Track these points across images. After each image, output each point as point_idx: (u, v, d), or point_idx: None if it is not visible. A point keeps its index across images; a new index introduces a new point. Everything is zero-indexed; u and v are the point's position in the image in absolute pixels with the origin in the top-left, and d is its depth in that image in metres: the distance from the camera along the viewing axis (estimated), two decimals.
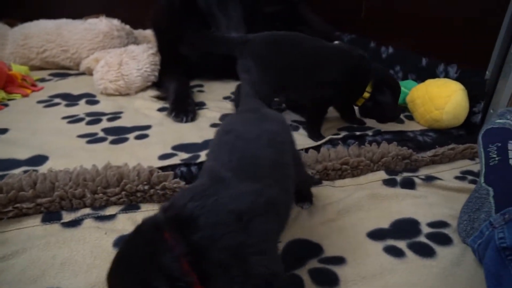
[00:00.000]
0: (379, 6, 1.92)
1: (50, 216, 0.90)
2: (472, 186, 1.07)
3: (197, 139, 1.19)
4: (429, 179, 1.09)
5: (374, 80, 1.21)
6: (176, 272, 0.46)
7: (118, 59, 1.58)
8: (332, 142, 1.18)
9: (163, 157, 1.08)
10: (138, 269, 0.47)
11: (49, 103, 1.47)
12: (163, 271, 0.46)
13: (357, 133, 1.22)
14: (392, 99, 1.23)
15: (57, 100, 1.50)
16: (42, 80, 1.76)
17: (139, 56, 1.60)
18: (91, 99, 1.51)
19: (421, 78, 1.54)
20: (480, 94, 1.28)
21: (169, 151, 1.11)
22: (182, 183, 0.96)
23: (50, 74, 1.84)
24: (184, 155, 1.09)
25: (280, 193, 0.61)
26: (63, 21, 1.94)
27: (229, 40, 1.23)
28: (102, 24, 1.90)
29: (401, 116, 1.42)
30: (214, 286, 0.49)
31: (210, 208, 0.52)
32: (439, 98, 1.26)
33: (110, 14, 2.07)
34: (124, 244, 0.53)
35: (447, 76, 1.42)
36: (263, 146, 0.65)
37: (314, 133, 1.25)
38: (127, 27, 2.03)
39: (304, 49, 1.18)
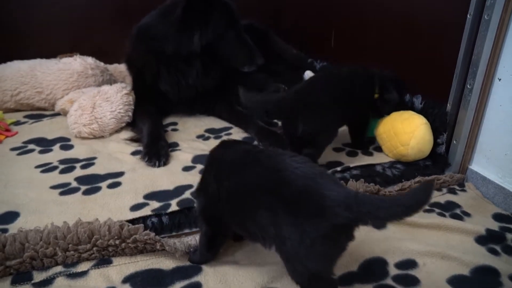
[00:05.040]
0: (347, 37, 1.98)
1: (20, 277, 0.90)
2: (440, 219, 1.11)
3: (169, 185, 1.20)
4: None
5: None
6: None
7: (92, 101, 1.59)
8: None
9: (135, 207, 1.09)
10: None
11: (22, 150, 1.47)
12: None
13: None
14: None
15: (31, 146, 1.49)
16: (17, 123, 1.75)
17: (112, 97, 1.62)
18: (65, 144, 1.51)
19: None
20: (442, 125, 1.33)
21: (141, 200, 1.13)
22: (152, 235, 0.97)
23: (25, 116, 1.83)
24: (156, 204, 1.10)
25: None
26: (37, 62, 1.94)
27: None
28: (76, 64, 1.91)
29: (370, 148, 1.47)
30: None
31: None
32: (404, 134, 1.30)
33: (83, 47, 2.09)
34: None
35: (412, 106, 1.47)
36: None
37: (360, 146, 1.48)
38: (102, 64, 2.03)
39: None
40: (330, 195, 0.69)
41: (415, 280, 0.91)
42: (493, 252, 1.01)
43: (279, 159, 0.79)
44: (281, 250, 0.76)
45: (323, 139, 1.29)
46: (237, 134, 1.63)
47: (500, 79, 1.18)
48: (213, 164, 0.91)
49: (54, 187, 1.20)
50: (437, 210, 1.18)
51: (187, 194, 1.14)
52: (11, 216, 1.06)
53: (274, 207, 0.74)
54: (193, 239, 0.99)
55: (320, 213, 0.69)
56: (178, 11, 1.57)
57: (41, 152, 1.46)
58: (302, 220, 0.70)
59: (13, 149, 1.48)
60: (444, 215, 1.16)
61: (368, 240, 1.03)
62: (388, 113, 1.41)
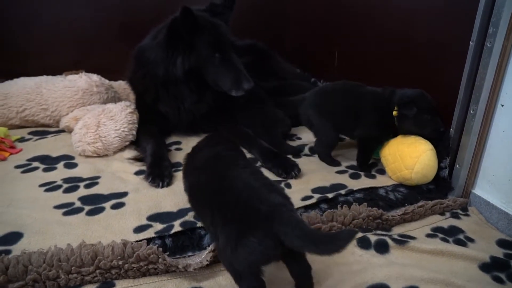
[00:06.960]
0: (350, 57, 2.00)
1: None
2: (444, 245, 1.11)
3: (172, 207, 1.20)
4: (402, 239, 1.12)
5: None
6: None
7: (96, 120, 1.60)
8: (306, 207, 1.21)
9: (138, 229, 1.09)
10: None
11: (26, 167, 1.47)
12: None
13: (330, 195, 1.25)
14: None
15: (35, 164, 1.50)
16: (22, 139, 1.76)
17: (116, 116, 1.63)
18: (69, 162, 1.52)
19: None
20: (446, 150, 1.34)
21: (144, 222, 1.13)
22: (155, 248, 0.97)
23: (30, 133, 1.84)
24: (159, 226, 1.10)
25: None
26: (43, 79, 1.96)
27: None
28: (81, 81, 1.93)
29: (373, 171, 1.47)
30: None
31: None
32: (409, 158, 1.30)
33: (88, 64, 2.11)
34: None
35: None
36: None
37: (363, 166, 1.49)
38: (106, 81, 2.05)
39: None
40: (259, 207, 0.80)
41: None
42: (498, 280, 1.00)
43: (233, 167, 0.96)
44: (216, 245, 0.88)
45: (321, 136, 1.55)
46: None
47: (503, 105, 1.19)
48: (189, 157, 1.13)
49: (57, 207, 1.20)
50: (440, 235, 1.18)
51: (190, 217, 1.14)
52: (15, 236, 1.06)
53: (213, 208, 0.87)
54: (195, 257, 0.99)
55: (245, 221, 0.80)
56: (161, 34, 1.56)
57: (45, 170, 1.46)
58: (230, 224, 0.82)
59: (17, 166, 1.48)
60: (447, 241, 1.15)
61: (370, 266, 1.02)
62: (406, 131, 1.39)
